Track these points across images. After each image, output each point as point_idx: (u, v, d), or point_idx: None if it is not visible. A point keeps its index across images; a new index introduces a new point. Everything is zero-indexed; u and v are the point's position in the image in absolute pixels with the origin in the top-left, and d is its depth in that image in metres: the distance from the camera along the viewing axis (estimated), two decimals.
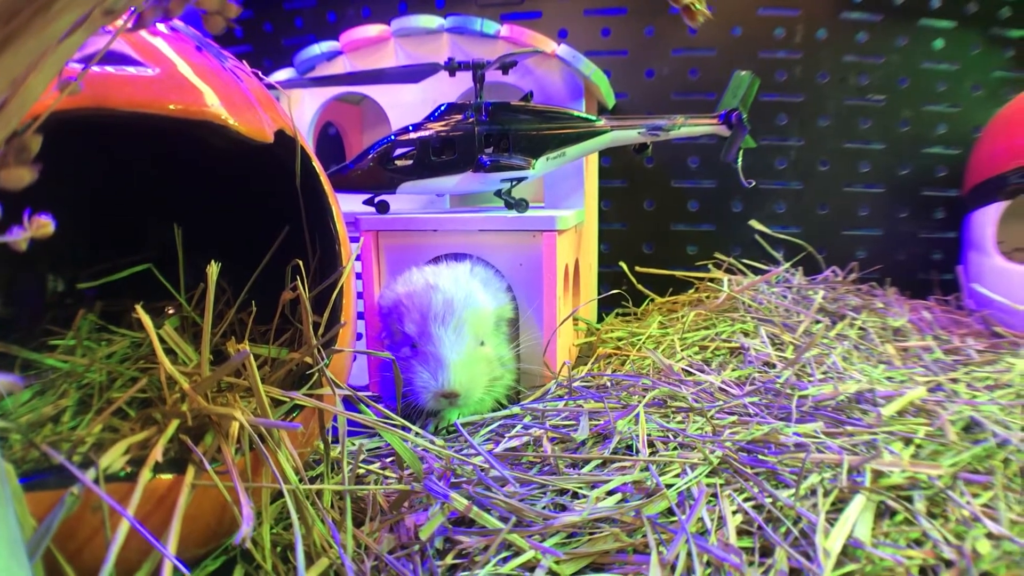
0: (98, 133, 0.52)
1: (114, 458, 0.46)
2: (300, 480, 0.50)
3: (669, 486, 0.56)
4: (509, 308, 0.87)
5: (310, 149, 0.67)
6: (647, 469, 0.59)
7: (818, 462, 0.58)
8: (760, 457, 0.60)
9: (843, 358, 0.87)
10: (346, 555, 0.48)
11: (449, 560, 0.50)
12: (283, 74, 1.08)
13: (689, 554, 0.47)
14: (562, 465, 0.63)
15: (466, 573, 0.48)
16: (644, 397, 0.75)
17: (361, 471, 0.64)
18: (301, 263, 0.62)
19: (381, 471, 0.65)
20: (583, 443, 0.67)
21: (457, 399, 0.76)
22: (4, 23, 0.21)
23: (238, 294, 0.69)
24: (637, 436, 0.66)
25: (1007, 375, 0.83)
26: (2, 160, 0.29)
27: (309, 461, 0.65)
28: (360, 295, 0.92)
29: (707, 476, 0.58)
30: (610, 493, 0.57)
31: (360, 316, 0.93)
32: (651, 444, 0.65)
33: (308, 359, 0.57)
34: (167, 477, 0.46)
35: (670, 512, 0.54)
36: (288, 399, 0.54)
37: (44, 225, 0.30)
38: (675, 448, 0.64)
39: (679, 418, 0.72)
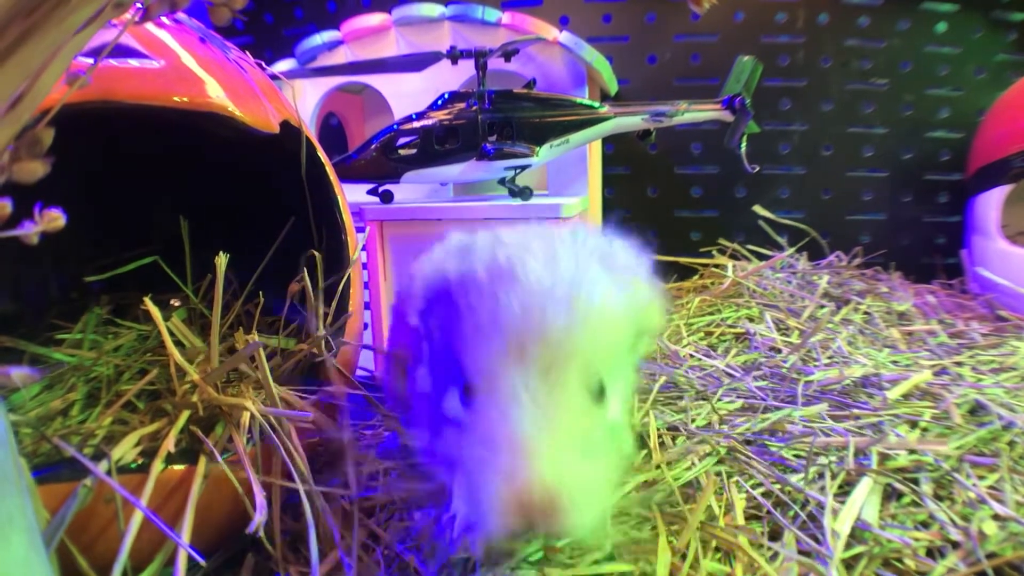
0: (103, 126, 0.52)
1: (126, 450, 0.46)
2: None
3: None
4: (656, 309, 0.47)
5: (315, 139, 0.67)
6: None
7: (825, 445, 0.58)
8: (768, 446, 0.60)
9: (848, 342, 0.87)
10: (356, 545, 0.49)
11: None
12: (284, 65, 1.08)
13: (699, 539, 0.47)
14: None
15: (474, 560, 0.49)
16: (652, 388, 0.75)
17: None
18: (315, 253, 0.62)
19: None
20: None
21: (556, 521, 0.35)
22: (25, 16, 0.21)
23: (244, 286, 0.69)
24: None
25: (1012, 358, 0.83)
26: (15, 154, 0.29)
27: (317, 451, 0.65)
28: (366, 285, 0.92)
29: (715, 465, 0.58)
30: None
31: (366, 307, 0.93)
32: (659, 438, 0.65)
33: (316, 350, 0.57)
34: (179, 468, 0.46)
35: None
36: (297, 392, 0.54)
37: (55, 219, 0.30)
38: (683, 439, 0.64)
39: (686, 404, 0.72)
